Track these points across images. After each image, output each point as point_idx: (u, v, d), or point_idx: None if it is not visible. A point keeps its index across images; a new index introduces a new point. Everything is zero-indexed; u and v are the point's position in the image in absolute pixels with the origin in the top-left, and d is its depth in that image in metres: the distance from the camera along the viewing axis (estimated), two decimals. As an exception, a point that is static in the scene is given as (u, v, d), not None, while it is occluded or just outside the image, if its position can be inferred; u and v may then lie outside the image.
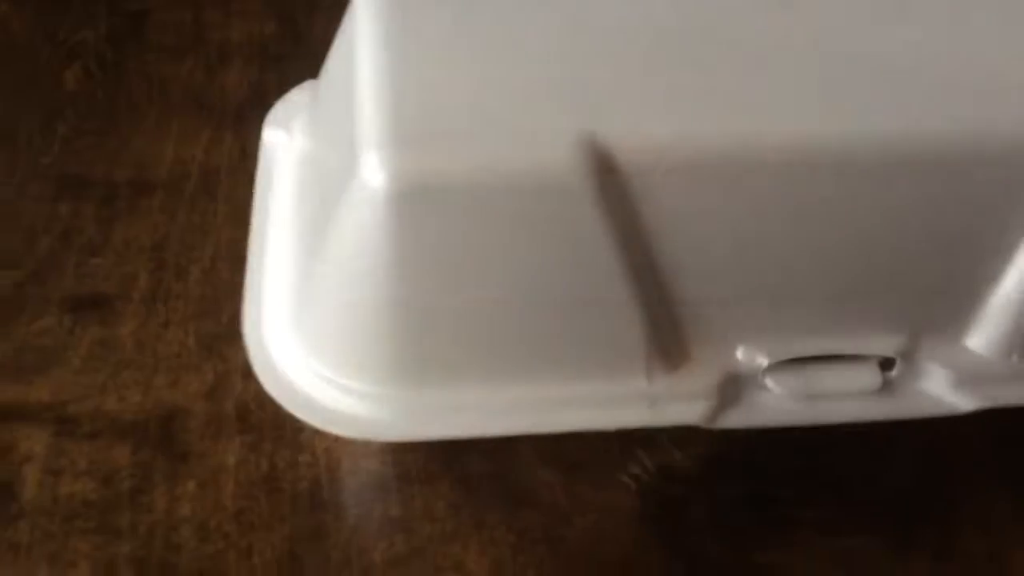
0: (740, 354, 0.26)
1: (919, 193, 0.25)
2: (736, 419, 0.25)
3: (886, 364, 0.26)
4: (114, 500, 0.29)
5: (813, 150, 0.24)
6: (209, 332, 0.33)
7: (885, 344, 0.26)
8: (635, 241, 0.24)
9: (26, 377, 0.32)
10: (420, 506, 0.29)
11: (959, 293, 0.26)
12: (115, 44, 0.45)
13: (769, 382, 0.26)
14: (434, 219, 0.23)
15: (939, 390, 0.26)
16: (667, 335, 0.25)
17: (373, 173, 0.23)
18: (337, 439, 0.30)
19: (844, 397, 0.26)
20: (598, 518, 0.29)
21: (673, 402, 0.25)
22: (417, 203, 0.23)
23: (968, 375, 0.26)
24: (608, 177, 0.23)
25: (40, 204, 0.37)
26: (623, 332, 0.25)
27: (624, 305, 0.24)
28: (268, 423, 0.31)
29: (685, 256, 0.24)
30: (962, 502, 0.30)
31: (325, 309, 0.25)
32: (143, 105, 0.42)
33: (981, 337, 0.26)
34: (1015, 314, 0.26)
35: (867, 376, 0.26)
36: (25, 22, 0.46)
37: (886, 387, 0.26)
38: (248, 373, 0.32)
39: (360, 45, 0.25)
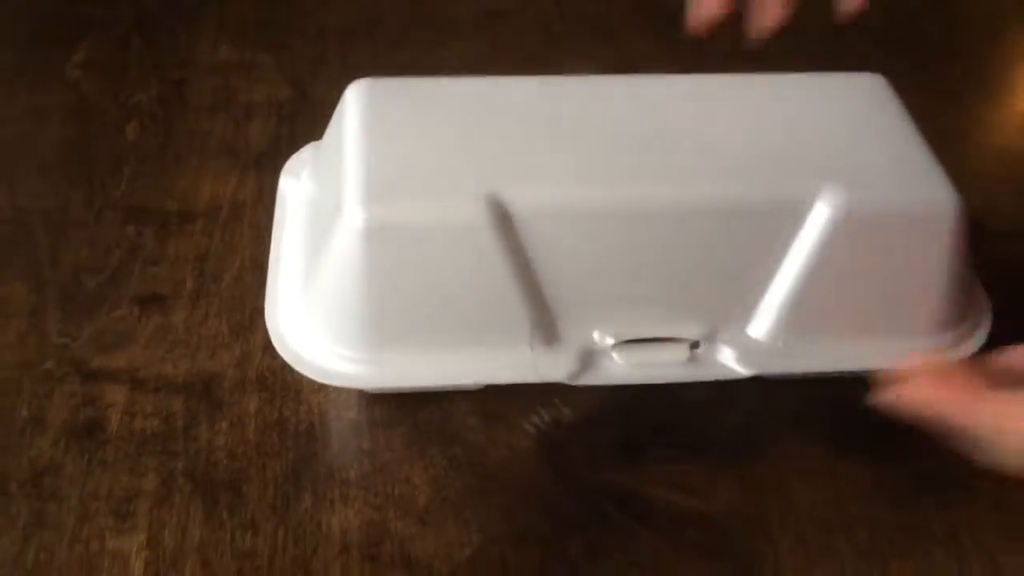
0: (595, 336, 0.38)
1: (710, 233, 0.37)
2: (590, 378, 0.38)
3: (694, 344, 0.39)
4: (171, 433, 0.41)
5: (641, 204, 0.37)
6: (237, 321, 0.46)
7: (693, 331, 0.38)
8: (523, 263, 0.36)
9: (108, 351, 0.44)
10: (383, 442, 0.42)
11: (742, 298, 0.38)
12: (163, 104, 0.58)
13: (614, 355, 0.38)
14: (392, 246, 0.35)
15: (728, 362, 0.38)
16: (545, 323, 0.38)
17: (354, 216, 0.35)
18: (327, 395, 0.43)
19: (664, 366, 0.38)
20: (507, 452, 0.42)
21: (549, 367, 0.38)
22: (381, 236, 0.35)
23: (748, 352, 0.38)
24: (504, 222, 0.36)
25: (112, 227, 0.50)
26: (516, 321, 0.37)
27: (516, 304, 0.37)
28: (279, 384, 0.43)
29: (556, 272, 0.37)
30: (758, 442, 0.42)
31: (322, 301, 0.38)
32: (186, 153, 0.54)
33: (757, 327, 0.39)
34: (777, 313, 0.38)
35: (680, 352, 0.38)
36: (94, 86, 0.58)
37: (693, 359, 0.38)
38: (265, 350, 0.45)
39: (347, 129, 0.38)
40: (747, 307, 0.38)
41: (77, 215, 0.50)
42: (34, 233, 0.49)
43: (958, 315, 0.39)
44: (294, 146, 0.48)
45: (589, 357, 0.38)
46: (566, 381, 0.38)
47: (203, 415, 0.42)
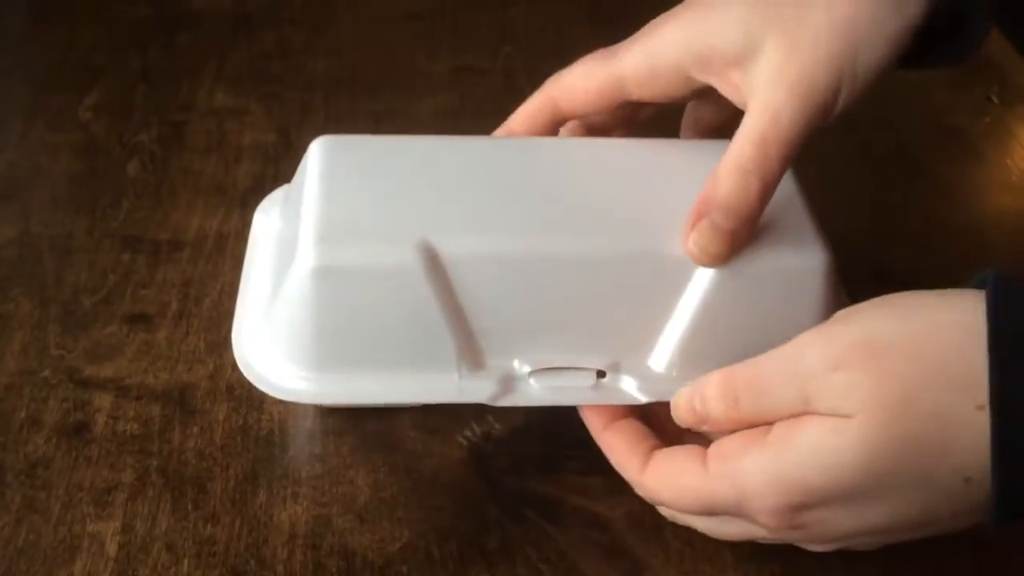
0: (515, 364, 0.44)
1: (614, 279, 0.43)
2: (509, 400, 0.43)
3: (600, 373, 0.44)
4: (149, 435, 0.47)
5: (553, 251, 0.43)
6: (213, 340, 0.52)
7: (599, 361, 0.44)
8: (450, 300, 0.42)
9: (98, 362, 0.50)
10: (332, 448, 0.48)
11: (642, 335, 0.44)
12: (162, 145, 0.64)
13: (531, 380, 0.44)
14: (339, 283, 0.41)
15: (629, 389, 0.44)
16: (470, 351, 0.44)
17: (307, 256, 0.41)
18: (287, 406, 0.49)
19: (574, 390, 0.44)
20: (441, 460, 0.47)
21: (473, 390, 0.43)
22: (330, 274, 0.41)
23: (646, 381, 0.44)
24: (434, 264, 0.42)
25: (110, 254, 0.56)
26: (444, 350, 0.43)
27: (444, 335, 0.42)
28: (245, 395, 0.49)
29: (480, 309, 0.43)
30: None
31: (280, 326, 0.44)
32: (180, 189, 0.61)
33: (656, 360, 0.44)
34: (672, 349, 0.44)
35: (588, 379, 0.44)
36: (102, 127, 0.65)
37: (599, 386, 0.44)
38: (234, 366, 0.51)
39: (308, 179, 0.45)
40: (647, 343, 0.44)
41: (80, 242, 0.57)
42: (42, 256, 0.56)
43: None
44: (277, 186, 0.54)
45: (509, 382, 0.44)
46: (488, 403, 0.44)
47: (177, 420, 0.48)
